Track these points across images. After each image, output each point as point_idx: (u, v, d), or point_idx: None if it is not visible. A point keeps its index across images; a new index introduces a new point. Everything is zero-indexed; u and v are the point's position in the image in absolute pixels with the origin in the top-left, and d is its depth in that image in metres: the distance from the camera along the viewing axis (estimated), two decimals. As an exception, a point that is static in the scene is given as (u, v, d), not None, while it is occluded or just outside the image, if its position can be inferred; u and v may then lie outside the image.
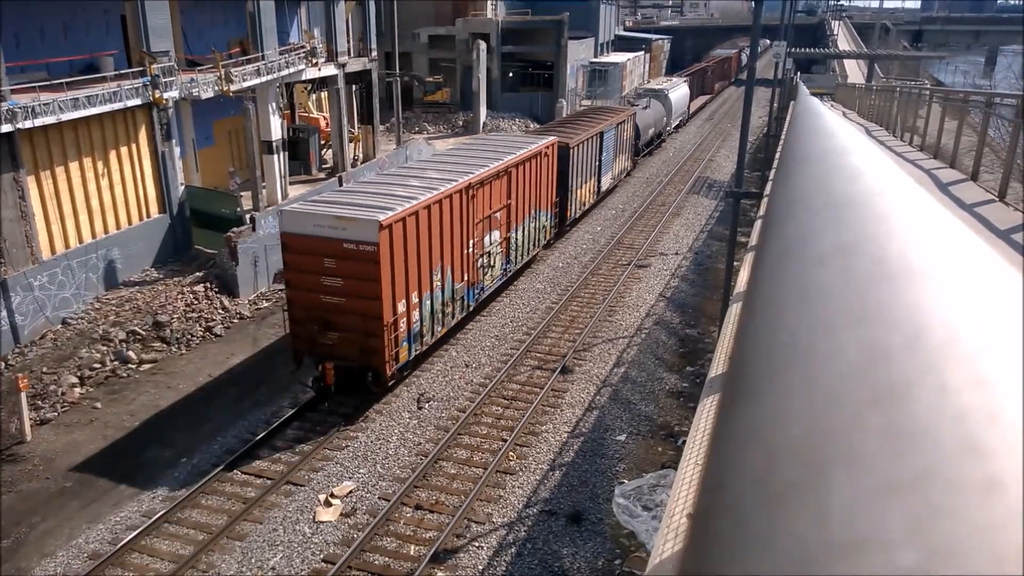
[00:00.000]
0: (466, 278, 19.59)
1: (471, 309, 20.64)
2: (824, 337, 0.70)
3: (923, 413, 0.50)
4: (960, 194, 11.07)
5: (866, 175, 1.57)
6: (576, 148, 28.03)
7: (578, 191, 29.47)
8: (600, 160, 32.01)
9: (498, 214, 21.17)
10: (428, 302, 17.56)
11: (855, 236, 1.06)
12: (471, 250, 19.59)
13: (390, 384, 17.03)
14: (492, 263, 21.42)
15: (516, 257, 23.34)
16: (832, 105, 38.11)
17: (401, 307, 16.30)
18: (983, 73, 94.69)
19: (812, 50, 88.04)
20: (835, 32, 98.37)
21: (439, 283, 18.01)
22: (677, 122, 52.39)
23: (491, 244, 21.05)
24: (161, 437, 15.93)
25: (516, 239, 22.94)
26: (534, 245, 25.03)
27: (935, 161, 15.28)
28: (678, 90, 51.54)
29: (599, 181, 32.70)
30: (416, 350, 17.46)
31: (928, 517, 0.43)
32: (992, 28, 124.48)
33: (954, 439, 0.47)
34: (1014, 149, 10.59)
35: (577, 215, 30.38)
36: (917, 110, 19.77)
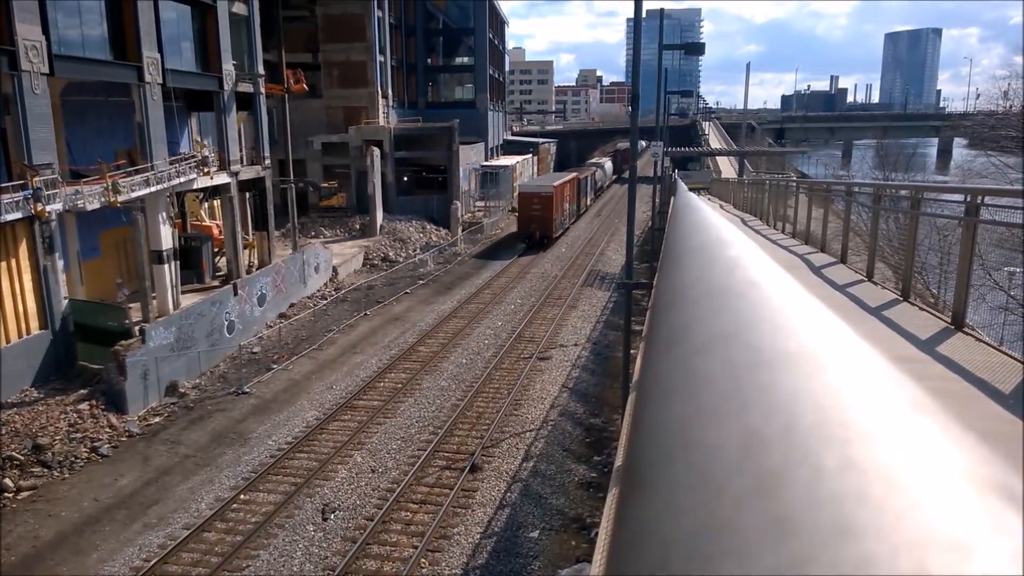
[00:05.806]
0: (562, 217, 52.67)
1: (563, 229, 53.90)
2: (707, 426, 0.72)
3: (799, 498, 0.52)
4: (832, 276, 11.85)
5: (742, 266, 1.67)
6: (583, 179, 64.21)
7: (581, 199, 64.25)
8: (587, 187, 68.38)
9: (568, 195, 55.10)
10: (560, 217, 52.07)
11: (733, 324, 1.12)
12: (563, 206, 53.17)
13: (554, 241, 50.59)
14: (567, 215, 55.36)
15: (568, 219, 56.50)
16: (709, 199, 40.57)
17: (555, 216, 49.75)
18: (841, 165, 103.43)
19: (687, 148, 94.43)
20: (706, 132, 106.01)
21: (560, 213, 51.71)
22: (609, 182, 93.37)
23: (567, 207, 55.41)
24: (41, 571, 14.44)
25: (570, 209, 56.81)
26: (572, 218, 58.33)
27: (807, 246, 16.37)
28: (607, 164, 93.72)
29: (587, 197, 69.12)
30: (558, 233, 51.94)
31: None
32: (844, 124, 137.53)
33: (829, 523, 0.49)
34: (876, 233, 11.51)
35: (583, 211, 66.20)
36: (786, 200, 21.28)
